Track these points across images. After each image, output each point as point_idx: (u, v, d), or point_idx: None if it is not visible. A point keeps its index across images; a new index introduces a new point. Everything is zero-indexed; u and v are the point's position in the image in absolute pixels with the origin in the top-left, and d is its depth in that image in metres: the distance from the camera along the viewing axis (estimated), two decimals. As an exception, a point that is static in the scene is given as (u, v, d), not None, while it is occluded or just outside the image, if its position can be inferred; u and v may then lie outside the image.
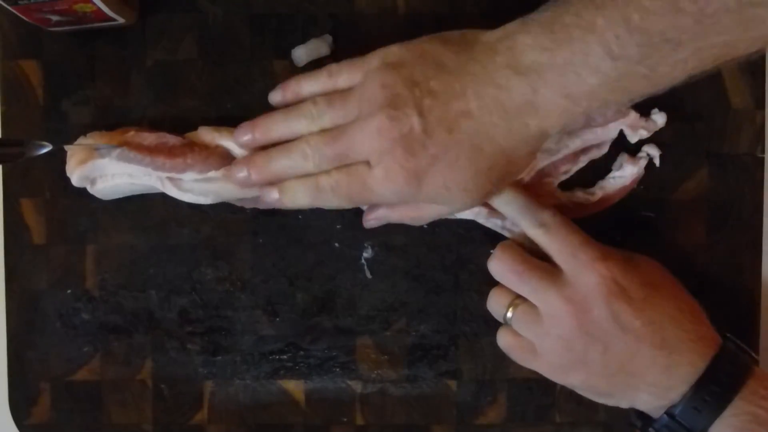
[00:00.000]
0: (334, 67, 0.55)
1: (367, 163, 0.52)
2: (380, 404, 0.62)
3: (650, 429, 0.55)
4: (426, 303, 0.61)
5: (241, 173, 0.55)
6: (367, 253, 0.61)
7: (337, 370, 0.62)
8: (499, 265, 0.56)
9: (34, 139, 0.53)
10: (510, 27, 0.49)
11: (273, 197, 0.55)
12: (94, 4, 0.54)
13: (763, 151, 0.61)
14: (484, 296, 0.61)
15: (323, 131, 0.53)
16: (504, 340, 0.57)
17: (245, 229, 0.61)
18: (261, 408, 0.62)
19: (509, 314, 0.56)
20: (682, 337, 0.53)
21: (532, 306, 0.55)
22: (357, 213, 0.60)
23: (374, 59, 0.53)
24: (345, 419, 0.62)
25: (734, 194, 0.61)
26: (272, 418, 0.62)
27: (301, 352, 0.62)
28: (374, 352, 0.62)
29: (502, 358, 0.61)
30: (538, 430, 0.62)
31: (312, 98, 0.54)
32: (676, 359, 0.53)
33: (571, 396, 0.61)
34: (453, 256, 0.61)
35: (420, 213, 0.55)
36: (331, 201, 0.54)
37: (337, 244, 0.61)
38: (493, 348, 0.61)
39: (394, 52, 0.52)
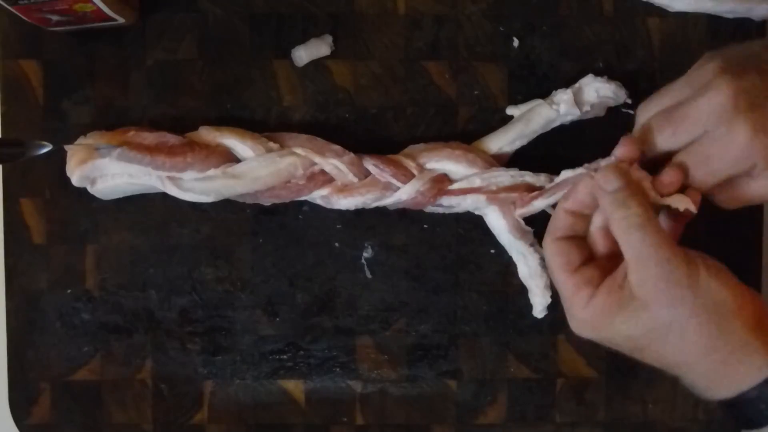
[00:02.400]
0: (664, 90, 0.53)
1: (705, 133, 0.50)
2: (380, 404, 0.62)
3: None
4: (426, 303, 0.61)
5: None
6: (367, 253, 0.61)
7: (337, 370, 0.62)
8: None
9: (34, 139, 0.53)
10: None
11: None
12: (94, 4, 0.54)
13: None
14: (484, 296, 0.61)
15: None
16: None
17: (245, 229, 0.61)
18: (261, 408, 0.62)
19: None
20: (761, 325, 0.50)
21: None
22: (357, 213, 0.60)
23: (707, 71, 0.51)
24: (345, 419, 0.62)
25: (734, 194, 0.61)
26: (272, 418, 0.62)
27: (301, 352, 0.62)
28: (374, 352, 0.62)
29: (502, 358, 0.61)
30: (538, 430, 0.62)
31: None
32: (748, 342, 0.49)
33: (571, 396, 0.61)
34: (453, 256, 0.61)
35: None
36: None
37: (337, 244, 0.61)
38: (493, 348, 0.61)
39: (728, 59, 0.51)
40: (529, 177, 0.58)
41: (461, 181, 0.58)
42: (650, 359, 0.52)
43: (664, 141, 0.52)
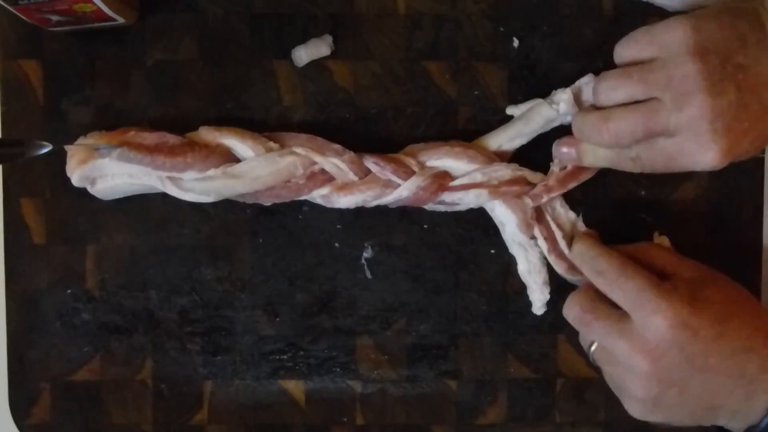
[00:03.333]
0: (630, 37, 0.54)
1: (673, 138, 0.52)
2: (380, 404, 0.62)
3: None
4: (426, 303, 0.61)
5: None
6: (367, 253, 0.61)
7: (337, 370, 0.62)
8: (568, 315, 0.56)
9: (34, 139, 0.53)
10: None
11: (570, 155, 0.58)
12: (94, 4, 0.54)
13: (763, 151, 0.61)
14: (484, 296, 0.61)
15: (622, 108, 0.53)
16: (604, 373, 0.57)
17: (245, 229, 0.61)
18: (261, 408, 0.62)
19: (592, 349, 0.55)
20: (761, 364, 0.51)
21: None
22: (357, 213, 0.60)
23: (673, 32, 0.52)
24: (345, 419, 0.62)
25: (734, 194, 0.61)
26: (272, 418, 0.62)
27: (301, 352, 0.62)
28: (374, 352, 0.62)
29: (502, 358, 0.61)
30: (538, 430, 0.62)
31: (602, 75, 0.54)
32: (755, 387, 0.51)
33: (571, 396, 0.61)
34: (453, 256, 0.61)
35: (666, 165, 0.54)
36: (630, 168, 0.55)
37: (337, 244, 0.61)
38: (493, 348, 0.61)
39: (699, 26, 0.52)
40: (528, 173, 0.58)
41: (463, 177, 0.58)
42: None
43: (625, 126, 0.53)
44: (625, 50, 0.54)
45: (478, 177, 0.57)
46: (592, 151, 0.57)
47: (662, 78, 0.51)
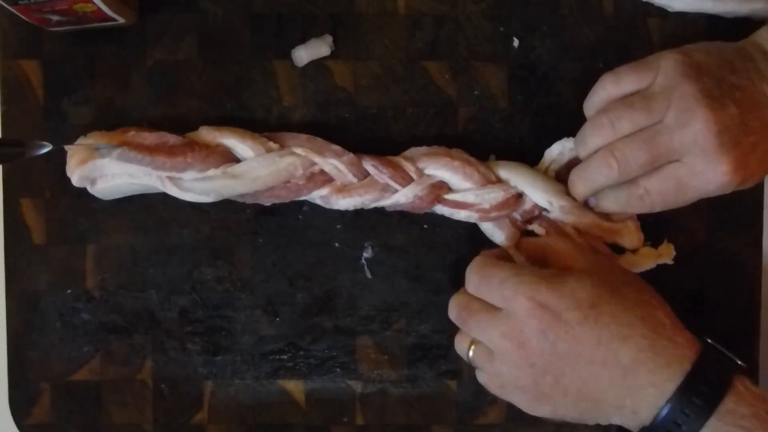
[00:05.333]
0: (610, 76, 0.55)
1: (680, 161, 0.52)
2: (380, 404, 0.62)
3: None
4: (426, 303, 0.61)
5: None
6: (367, 253, 0.61)
7: (337, 370, 0.62)
8: (451, 315, 0.57)
9: (34, 139, 0.53)
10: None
11: (590, 203, 0.58)
12: (94, 4, 0.54)
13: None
14: (484, 296, 0.61)
15: (628, 137, 0.53)
16: (479, 377, 0.56)
17: (245, 229, 0.61)
18: (261, 408, 0.62)
19: (471, 354, 0.55)
20: (639, 357, 0.49)
21: (486, 345, 0.54)
22: (357, 213, 0.60)
23: (665, 61, 0.53)
24: (345, 419, 0.62)
25: (734, 194, 0.61)
26: (272, 418, 0.62)
27: (301, 352, 0.62)
28: (374, 352, 0.62)
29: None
30: (538, 430, 0.62)
31: (603, 109, 0.55)
32: (634, 381, 0.50)
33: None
34: (453, 256, 0.61)
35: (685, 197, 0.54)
36: (641, 209, 0.55)
37: (337, 244, 0.61)
38: (493, 348, 0.61)
39: (688, 53, 0.53)
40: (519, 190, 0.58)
41: (456, 194, 0.58)
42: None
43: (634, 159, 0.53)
44: (612, 86, 0.55)
45: (471, 198, 0.58)
46: (604, 196, 0.57)
47: (662, 100, 0.52)
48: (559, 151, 0.59)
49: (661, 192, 0.53)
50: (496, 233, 0.59)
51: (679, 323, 0.52)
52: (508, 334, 0.52)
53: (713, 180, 0.52)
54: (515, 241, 0.59)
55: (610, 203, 0.57)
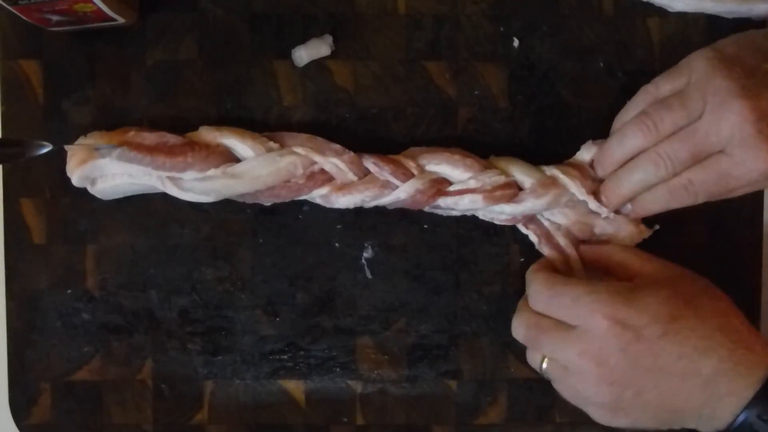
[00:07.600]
0: (649, 86, 0.56)
1: (722, 152, 0.52)
2: (380, 404, 0.62)
3: None
4: (426, 303, 0.61)
5: (595, 204, 0.57)
6: (367, 253, 0.61)
7: (337, 370, 0.62)
8: (516, 335, 0.56)
9: (34, 139, 0.53)
10: None
11: (624, 210, 0.58)
12: (94, 4, 0.54)
13: None
14: (484, 296, 0.61)
15: (670, 137, 0.53)
16: (554, 385, 0.56)
17: (245, 229, 0.61)
18: (261, 408, 0.62)
19: (544, 366, 0.55)
20: (720, 368, 0.50)
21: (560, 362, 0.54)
22: (357, 213, 0.60)
23: (696, 60, 0.54)
24: (345, 419, 0.62)
25: (734, 194, 0.61)
26: (272, 418, 0.62)
27: (301, 352, 0.62)
28: (374, 352, 0.62)
29: (502, 358, 0.61)
30: (538, 430, 0.62)
31: (643, 112, 0.55)
32: (714, 391, 0.50)
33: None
34: (453, 256, 0.61)
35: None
36: (685, 200, 0.55)
37: (337, 244, 0.61)
38: (493, 348, 0.61)
39: (719, 48, 0.53)
40: (519, 176, 0.58)
41: (458, 183, 0.58)
42: None
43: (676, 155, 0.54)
44: (651, 91, 0.56)
45: (473, 183, 0.58)
46: (642, 199, 0.57)
47: (697, 98, 0.52)
48: (588, 154, 0.59)
49: (704, 182, 0.53)
50: (545, 247, 0.59)
51: (753, 329, 0.53)
52: (585, 353, 0.52)
53: (756, 168, 0.52)
54: (576, 249, 0.58)
55: (649, 203, 0.56)
